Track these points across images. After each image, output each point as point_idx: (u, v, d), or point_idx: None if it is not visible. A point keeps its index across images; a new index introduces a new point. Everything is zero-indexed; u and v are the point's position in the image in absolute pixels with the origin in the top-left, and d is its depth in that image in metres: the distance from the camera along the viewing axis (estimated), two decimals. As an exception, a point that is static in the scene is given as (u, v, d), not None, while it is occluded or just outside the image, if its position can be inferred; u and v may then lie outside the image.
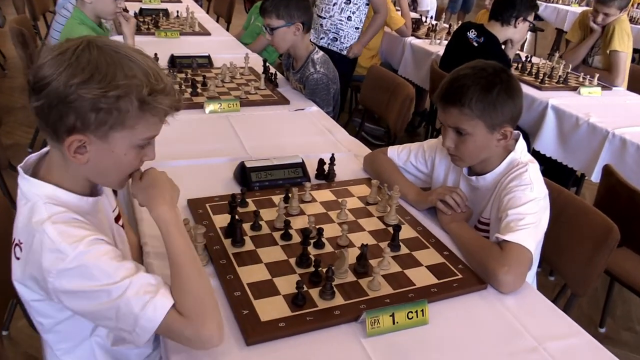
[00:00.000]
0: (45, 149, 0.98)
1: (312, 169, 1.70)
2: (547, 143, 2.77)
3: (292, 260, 1.25)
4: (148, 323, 0.87)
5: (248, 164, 1.60)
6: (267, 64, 2.74)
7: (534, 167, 1.40)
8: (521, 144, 1.44)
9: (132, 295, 0.87)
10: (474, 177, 1.47)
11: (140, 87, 0.87)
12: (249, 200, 1.49)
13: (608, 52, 3.22)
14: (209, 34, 3.59)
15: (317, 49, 2.44)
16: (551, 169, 2.77)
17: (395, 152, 1.66)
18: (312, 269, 1.21)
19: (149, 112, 0.90)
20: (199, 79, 2.49)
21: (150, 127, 0.93)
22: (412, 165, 1.64)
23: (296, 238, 1.34)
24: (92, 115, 0.86)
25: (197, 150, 1.81)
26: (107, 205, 1.09)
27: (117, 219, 1.13)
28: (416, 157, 1.64)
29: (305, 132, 2.11)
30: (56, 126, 0.88)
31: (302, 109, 2.34)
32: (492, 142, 1.38)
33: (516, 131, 1.43)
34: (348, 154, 1.91)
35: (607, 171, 1.94)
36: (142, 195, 0.98)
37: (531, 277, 1.41)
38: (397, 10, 4.08)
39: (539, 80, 3.07)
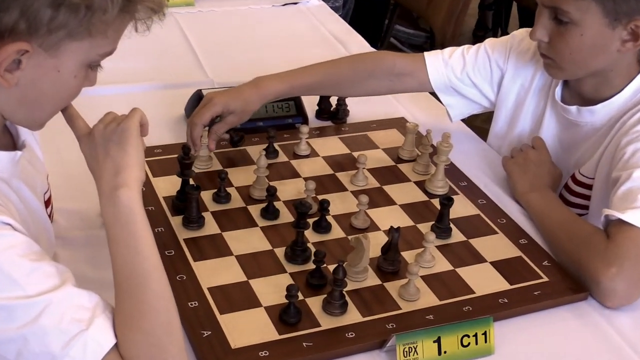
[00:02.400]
0: None
1: (311, 104, 1.69)
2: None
3: (280, 252, 1.25)
4: None
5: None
6: None
7: None
8: None
9: (50, 324, 0.85)
10: (574, 108, 1.45)
11: None
12: (211, 153, 1.49)
13: None
14: None
15: None
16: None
17: (440, 60, 1.59)
18: (311, 265, 1.21)
19: (128, 14, 0.93)
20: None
21: (119, 36, 0.97)
22: (470, 80, 1.59)
23: (286, 216, 1.34)
24: (47, 13, 0.87)
25: (126, 72, 1.79)
26: (32, 174, 1.10)
27: (46, 203, 1.15)
28: (474, 65, 1.58)
29: (299, 41, 2.09)
30: None
31: (295, 3, 2.31)
32: (611, 43, 1.33)
33: None
34: (369, 78, 1.90)
35: None
36: (103, 154, 0.97)
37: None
38: None
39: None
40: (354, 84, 1.61)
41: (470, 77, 1.58)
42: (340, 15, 2.34)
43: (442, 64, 1.58)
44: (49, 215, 1.17)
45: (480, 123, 2.61)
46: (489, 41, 1.60)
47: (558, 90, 1.47)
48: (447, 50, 1.61)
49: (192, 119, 1.43)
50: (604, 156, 1.40)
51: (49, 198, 1.18)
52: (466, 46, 1.61)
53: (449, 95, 1.60)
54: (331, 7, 2.36)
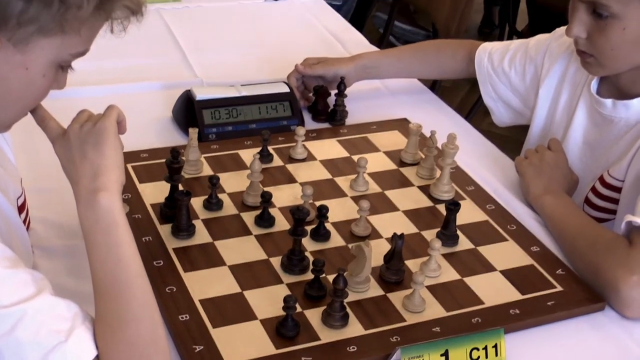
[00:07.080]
0: None
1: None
2: None
3: (276, 262, 1.26)
4: None
5: (198, 95, 1.60)
6: None
7: None
8: None
9: (26, 336, 0.85)
10: (609, 101, 1.45)
11: None
12: (201, 158, 1.49)
13: None
14: None
15: None
16: None
17: (488, 52, 1.70)
18: (309, 275, 1.22)
19: (104, 13, 0.94)
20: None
21: (93, 36, 0.97)
22: (504, 75, 1.65)
23: (282, 223, 1.34)
24: (18, 5, 0.87)
25: (108, 72, 1.79)
26: (3, 177, 1.10)
27: (20, 209, 1.16)
28: (511, 60, 1.64)
29: (294, 37, 2.10)
30: None
31: (289, -3, 2.32)
32: None
33: None
34: (368, 76, 1.91)
35: None
36: (79, 157, 0.98)
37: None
38: None
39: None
40: (436, 65, 1.81)
41: (505, 69, 1.64)
42: (340, 12, 2.34)
43: (485, 56, 1.67)
44: (24, 222, 1.17)
45: (487, 127, 2.62)
46: (535, 37, 1.65)
47: (594, 84, 1.48)
48: (501, 42, 1.71)
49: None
50: (636, 156, 1.40)
51: (23, 203, 1.18)
52: (518, 40, 1.69)
53: (487, 95, 1.69)
54: (328, 2, 2.36)
